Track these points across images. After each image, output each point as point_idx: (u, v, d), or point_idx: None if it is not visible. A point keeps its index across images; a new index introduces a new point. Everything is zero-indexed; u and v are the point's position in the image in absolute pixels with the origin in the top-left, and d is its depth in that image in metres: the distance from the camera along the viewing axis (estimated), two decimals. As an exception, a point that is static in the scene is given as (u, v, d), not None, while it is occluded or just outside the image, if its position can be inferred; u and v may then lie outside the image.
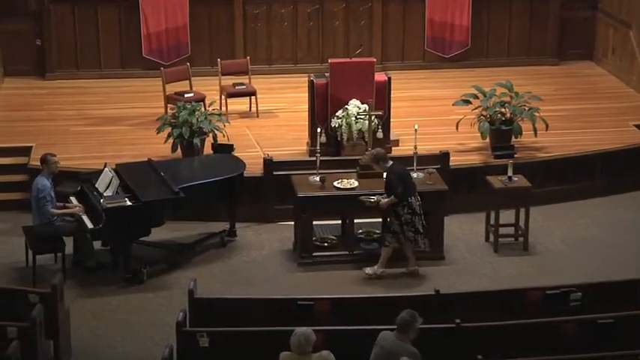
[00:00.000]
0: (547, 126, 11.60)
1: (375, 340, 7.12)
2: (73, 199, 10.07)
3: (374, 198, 9.54)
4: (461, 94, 12.05)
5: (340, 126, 11.33)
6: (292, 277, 9.96)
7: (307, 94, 11.58)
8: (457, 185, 11.04)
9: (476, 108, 11.75)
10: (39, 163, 9.90)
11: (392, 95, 11.57)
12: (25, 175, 11.27)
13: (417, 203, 9.62)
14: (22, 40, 13.95)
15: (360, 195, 9.69)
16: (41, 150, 11.16)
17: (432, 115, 12.86)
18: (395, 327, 7.08)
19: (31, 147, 11.68)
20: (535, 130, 11.59)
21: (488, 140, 11.67)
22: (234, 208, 10.61)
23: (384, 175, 9.58)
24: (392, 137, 11.71)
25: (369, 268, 9.78)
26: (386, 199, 9.52)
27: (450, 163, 11.17)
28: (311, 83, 11.44)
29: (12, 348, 7.12)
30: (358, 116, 11.23)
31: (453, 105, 12.09)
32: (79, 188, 10.16)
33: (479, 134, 11.59)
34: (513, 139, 11.66)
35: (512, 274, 10.03)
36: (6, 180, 11.39)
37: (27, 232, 9.81)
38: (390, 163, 9.56)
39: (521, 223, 10.54)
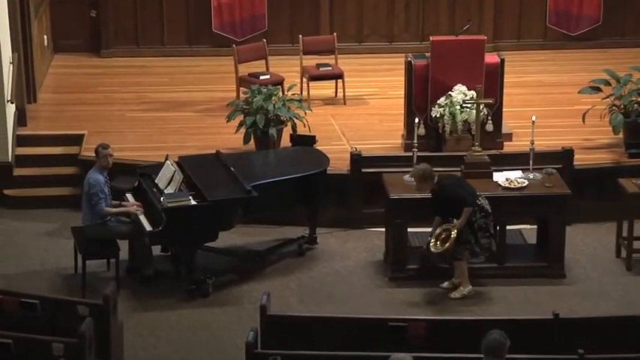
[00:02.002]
0: (695, 119, 11.35)
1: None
2: (129, 196, 10.26)
3: (449, 232, 9.44)
4: (589, 80, 11.87)
5: (442, 116, 11.28)
6: (382, 293, 9.97)
7: (404, 78, 11.57)
8: (582, 189, 10.88)
9: (607, 97, 11.56)
10: (92, 155, 10.10)
11: (505, 80, 11.47)
12: (76, 167, 11.53)
13: (486, 202, 9.58)
14: (75, 12, 14.27)
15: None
16: (94, 138, 11.41)
17: (553, 104, 12.71)
18: (483, 355, 6.97)
19: (83, 135, 11.94)
20: (679, 124, 11.36)
21: (621, 135, 11.48)
22: (316, 210, 10.66)
23: (436, 195, 9.49)
24: (504, 130, 11.61)
25: (454, 292, 9.72)
26: (460, 220, 9.44)
27: (574, 163, 11.02)
28: (408, 65, 11.42)
29: (58, 367, 7.31)
30: (464, 105, 11.16)
31: (579, 93, 11.92)
32: (136, 184, 10.35)
33: (610, 128, 11.41)
34: (652, 134, 11.45)
35: (647, 297, 9.86)
36: (54, 172, 11.67)
37: (76, 233, 10.03)
38: (436, 178, 9.54)
39: (660, 236, 10.34)
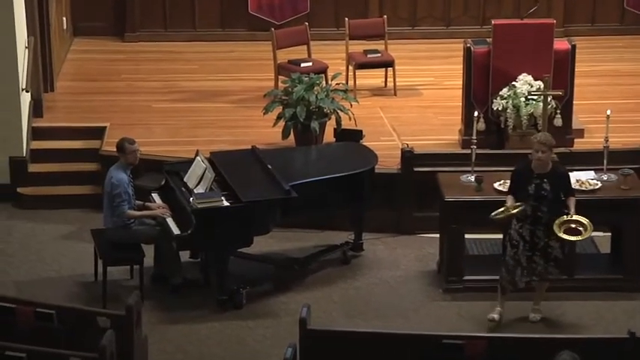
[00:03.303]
0: None
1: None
2: (155, 196, 10.31)
3: (580, 226, 9.12)
4: (671, 69, 11.79)
5: (505, 109, 11.23)
6: (436, 306, 9.95)
7: (462, 66, 11.53)
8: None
9: (692, 88, 11.47)
10: (114, 149, 10.17)
11: (576, 69, 11.40)
12: (97, 163, 11.61)
13: None
14: (97, -9, 14.40)
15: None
16: (117, 132, 11.48)
17: (630, 96, 12.62)
18: None
19: (105, 128, 12.02)
20: None
21: None
22: (362, 213, 10.66)
23: (548, 175, 9.26)
24: (575, 126, 11.54)
25: (534, 314, 9.60)
26: (573, 211, 9.28)
27: (654, 162, 10.94)
28: (467, 51, 11.38)
29: (75, 384, 7.37)
30: (529, 97, 11.11)
31: (660, 83, 11.84)
32: (163, 183, 10.40)
33: (695, 124, 11.32)
34: None
35: None
36: (73, 169, 11.75)
37: (97, 237, 10.10)
38: None
39: None
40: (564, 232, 9.18)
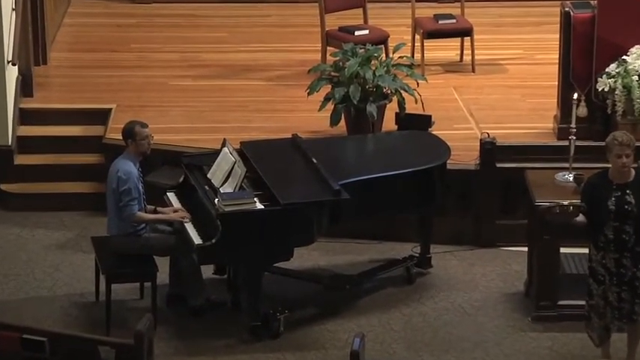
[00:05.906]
0: None
1: None
2: (171, 196, 10.36)
3: None
4: None
5: (613, 90, 11.19)
6: (523, 338, 9.93)
7: (558, 36, 11.49)
8: None
9: None
10: (121, 137, 10.23)
11: None
12: (99, 154, 11.69)
13: None
14: (102, -60, 14.51)
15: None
16: (125, 115, 11.55)
17: None
18: None
19: (110, 110, 12.10)
20: None
21: None
22: (430, 220, 10.66)
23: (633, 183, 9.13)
24: (701, 112, 11.48)
25: None
26: None
27: None
28: (566, 17, 11.34)
29: None
30: (644, 75, 11.08)
31: None
32: (181, 179, 10.45)
33: None
34: None
35: None
36: (71, 161, 11.84)
37: (99, 246, 10.15)
38: None
39: None
40: None
